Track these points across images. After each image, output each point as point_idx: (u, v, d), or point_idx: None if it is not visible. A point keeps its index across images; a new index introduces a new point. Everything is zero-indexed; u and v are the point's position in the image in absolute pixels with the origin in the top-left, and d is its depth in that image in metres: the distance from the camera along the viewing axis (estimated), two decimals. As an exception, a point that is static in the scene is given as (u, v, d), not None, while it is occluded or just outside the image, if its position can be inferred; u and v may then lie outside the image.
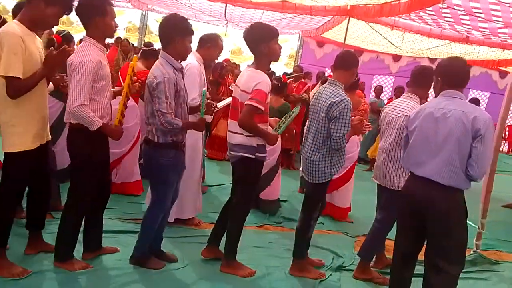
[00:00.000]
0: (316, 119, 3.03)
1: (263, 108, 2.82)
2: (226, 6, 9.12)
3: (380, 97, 9.40)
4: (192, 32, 2.87)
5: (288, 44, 13.34)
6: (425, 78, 3.17)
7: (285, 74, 8.55)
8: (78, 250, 2.96)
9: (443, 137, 2.47)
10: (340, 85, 3.00)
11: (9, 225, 2.67)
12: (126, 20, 13.88)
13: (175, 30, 2.77)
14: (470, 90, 12.65)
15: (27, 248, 2.96)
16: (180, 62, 2.90)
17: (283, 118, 3.23)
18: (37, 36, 2.64)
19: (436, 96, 2.67)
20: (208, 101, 3.30)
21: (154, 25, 13.43)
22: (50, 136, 2.86)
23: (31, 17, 2.49)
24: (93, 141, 2.66)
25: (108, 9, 2.65)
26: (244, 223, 3.12)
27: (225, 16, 10.22)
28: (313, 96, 3.21)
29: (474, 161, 2.40)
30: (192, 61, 3.55)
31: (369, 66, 13.19)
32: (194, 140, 3.65)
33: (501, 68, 11.74)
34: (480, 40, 8.57)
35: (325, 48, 12.63)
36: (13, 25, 2.45)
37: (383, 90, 10.29)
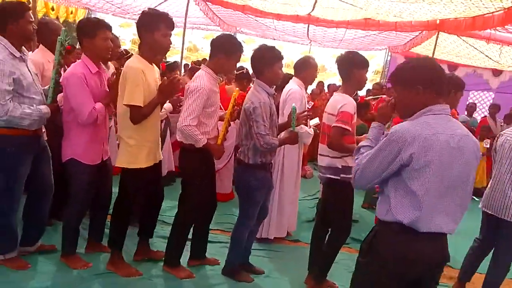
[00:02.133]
0: None
1: (349, 129, 2.92)
2: (308, 26, 9.30)
3: (473, 116, 8.67)
4: (279, 58, 3.03)
5: (375, 60, 12.97)
6: None
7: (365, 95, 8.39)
8: (185, 255, 3.29)
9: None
10: None
11: (125, 231, 3.07)
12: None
13: (263, 61, 2.98)
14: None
15: (136, 254, 3.30)
16: (273, 87, 3.15)
17: None
18: (155, 66, 2.96)
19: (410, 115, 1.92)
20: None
21: (200, 43, 14.07)
22: (162, 156, 3.18)
23: (149, 48, 2.80)
24: (201, 158, 2.96)
25: (238, 55, 2.97)
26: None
27: (307, 36, 10.38)
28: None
29: None
30: (293, 87, 3.88)
31: (465, 82, 12.20)
32: (291, 161, 3.96)
33: None
34: None
35: (415, 63, 12.05)
36: (135, 60, 2.78)
37: (478, 107, 9.46)
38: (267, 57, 2.98)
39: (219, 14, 9.95)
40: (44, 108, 2.77)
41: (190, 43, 13.83)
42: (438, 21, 7.77)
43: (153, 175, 3.04)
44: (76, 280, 2.91)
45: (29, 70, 2.77)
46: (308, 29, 9.47)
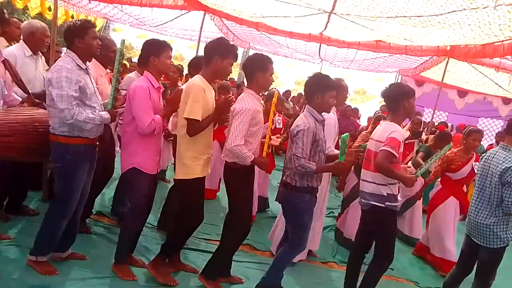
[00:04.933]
0: (489, 183, 3.04)
1: (397, 155, 2.93)
2: (320, 46, 9.44)
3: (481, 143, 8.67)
4: (333, 88, 3.09)
5: (383, 82, 13.08)
6: None
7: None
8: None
9: None
10: None
11: (185, 241, 3.31)
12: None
13: (316, 88, 3.07)
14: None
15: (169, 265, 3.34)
16: (322, 114, 3.17)
17: (428, 160, 3.42)
18: (212, 88, 3.16)
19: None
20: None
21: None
22: (209, 171, 3.24)
23: (213, 71, 3.04)
24: (242, 176, 3.11)
25: (270, 67, 3.10)
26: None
27: (319, 55, 10.53)
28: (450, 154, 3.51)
29: None
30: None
31: (474, 109, 12.23)
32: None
33: None
34: None
35: (425, 87, 12.13)
36: (198, 79, 3.00)
37: (486, 133, 9.45)
38: (320, 85, 3.05)
39: (233, 30, 10.17)
40: (105, 114, 2.97)
41: (176, 51, 14.22)
42: (448, 47, 7.87)
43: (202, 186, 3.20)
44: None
45: (91, 82, 3.01)
46: (320, 48, 9.61)
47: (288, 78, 14.40)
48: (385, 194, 3.00)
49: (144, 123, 2.91)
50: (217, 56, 2.97)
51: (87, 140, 2.91)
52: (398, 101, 3.09)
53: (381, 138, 3.03)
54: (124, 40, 3.11)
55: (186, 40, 13.76)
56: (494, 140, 8.70)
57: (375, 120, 4.82)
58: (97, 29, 3.44)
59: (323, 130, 3.11)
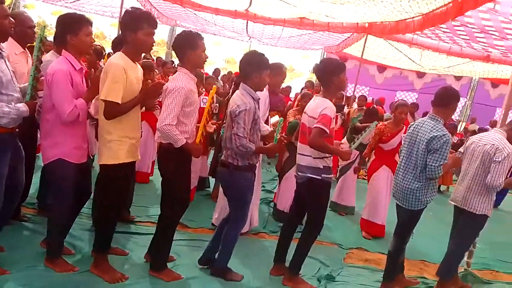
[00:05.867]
0: (416, 151, 3.21)
1: (328, 131, 3.01)
2: (247, 23, 9.47)
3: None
4: (269, 66, 3.04)
5: (310, 60, 13.52)
6: (448, 99, 3.24)
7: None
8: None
9: None
10: (441, 120, 3.19)
11: (112, 231, 2.95)
12: (155, 35, 14.56)
13: (253, 66, 2.98)
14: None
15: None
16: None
17: (358, 135, 3.47)
18: (138, 65, 2.87)
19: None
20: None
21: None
22: (139, 157, 3.02)
23: (132, 46, 2.73)
24: (179, 158, 2.91)
25: (200, 43, 2.90)
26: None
27: (247, 32, 10.56)
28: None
29: None
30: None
31: (392, 82, 13.14)
32: None
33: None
34: (502, 59, 8.44)
35: (348, 63, 12.72)
36: (118, 57, 2.71)
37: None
38: (257, 63, 2.99)
39: (158, 6, 9.81)
40: (23, 106, 2.63)
41: (97, 29, 13.60)
42: (366, 24, 8.32)
43: (130, 173, 2.99)
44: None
45: (7, 66, 2.64)
46: (247, 25, 9.64)
47: (217, 56, 14.23)
48: (321, 167, 3.08)
49: (65, 111, 2.65)
50: (129, 30, 2.73)
51: (4, 129, 2.62)
52: (329, 76, 3.13)
53: (314, 113, 3.07)
54: (44, 26, 2.85)
55: (107, 18, 13.05)
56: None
57: (301, 98, 4.98)
58: (6, 4, 3.10)
59: (259, 108, 3.13)
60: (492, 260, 4.47)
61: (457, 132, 8.82)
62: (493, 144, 3.26)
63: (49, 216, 2.98)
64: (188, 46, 2.89)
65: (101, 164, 2.82)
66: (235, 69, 13.77)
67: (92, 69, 3.00)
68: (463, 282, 3.69)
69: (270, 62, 3.56)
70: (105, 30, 14.10)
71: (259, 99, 3.11)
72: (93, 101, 3.07)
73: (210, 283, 3.10)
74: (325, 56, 12.95)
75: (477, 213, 3.32)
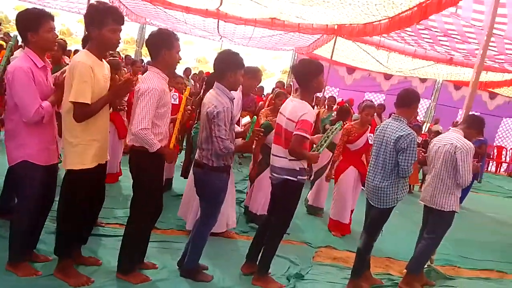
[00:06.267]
0: (384, 151, 3.30)
1: (309, 137, 3.04)
2: (218, 22, 9.42)
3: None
4: (243, 66, 2.99)
5: (282, 60, 13.63)
6: (409, 100, 3.35)
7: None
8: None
9: None
10: (404, 120, 3.27)
11: (76, 237, 2.83)
12: (124, 33, 14.29)
13: (228, 65, 2.93)
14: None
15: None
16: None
17: (324, 136, 3.47)
18: (105, 62, 2.76)
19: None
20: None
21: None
22: (108, 157, 2.92)
23: (97, 43, 2.61)
24: (152, 163, 2.82)
25: (175, 44, 2.81)
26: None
27: (218, 31, 10.51)
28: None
29: None
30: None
31: (361, 84, 13.45)
32: None
33: (489, 89, 11.94)
34: (464, 62, 8.79)
35: (318, 65, 12.92)
36: (83, 56, 2.58)
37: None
38: (232, 63, 2.96)
39: (127, 3, 9.61)
40: None
41: (63, 25, 13.24)
42: (336, 26, 8.47)
43: (98, 176, 2.84)
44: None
45: None
46: (218, 24, 9.59)
47: (188, 55, 14.15)
48: (298, 169, 3.08)
49: (29, 111, 2.51)
50: (92, 26, 2.61)
51: None
52: (308, 78, 3.09)
53: (292, 116, 3.03)
54: (16, 35, 2.68)
55: (74, 14, 12.68)
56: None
57: (275, 97, 5.00)
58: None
59: (233, 108, 3.11)
60: (454, 256, 4.63)
61: (422, 132, 9.12)
62: (452, 143, 3.42)
63: (12, 219, 2.86)
64: (163, 44, 2.79)
65: (68, 169, 2.68)
66: (207, 68, 13.72)
67: (56, 74, 2.85)
68: (427, 278, 3.82)
69: (246, 64, 3.57)
70: (71, 27, 13.73)
71: (234, 98, 3.07)
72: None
73: (179, 284, 3.05)
74: (296, 57, 13.11)
75: (445, 210, 3.46)
